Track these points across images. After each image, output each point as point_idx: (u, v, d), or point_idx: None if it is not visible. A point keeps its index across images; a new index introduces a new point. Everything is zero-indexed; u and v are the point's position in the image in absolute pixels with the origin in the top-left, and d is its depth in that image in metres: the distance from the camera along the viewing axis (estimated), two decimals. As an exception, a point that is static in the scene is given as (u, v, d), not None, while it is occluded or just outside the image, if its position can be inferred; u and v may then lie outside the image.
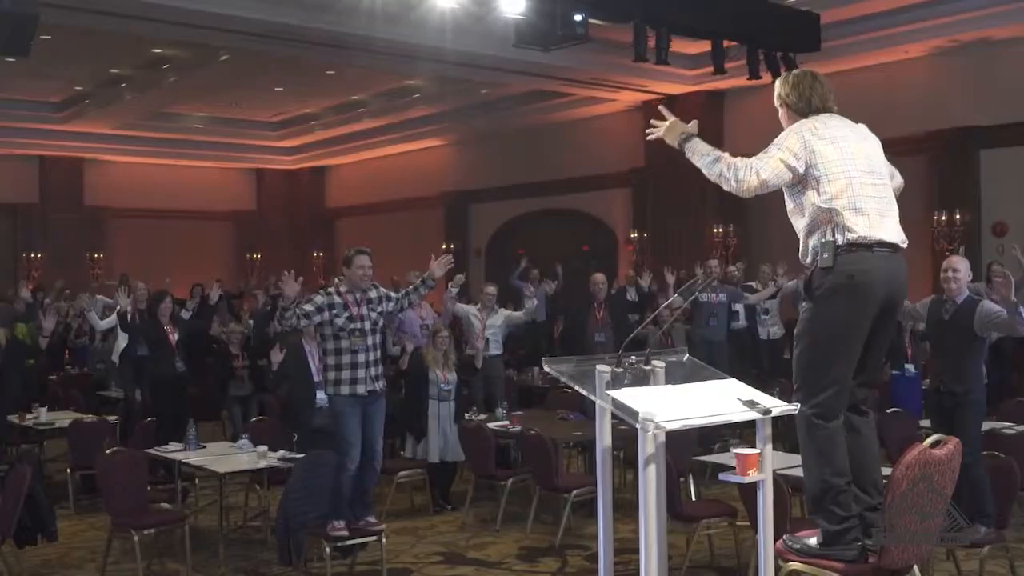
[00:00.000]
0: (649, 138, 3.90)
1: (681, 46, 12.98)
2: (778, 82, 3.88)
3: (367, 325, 6.46)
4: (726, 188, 3.62)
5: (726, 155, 3.63)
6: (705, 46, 12.41)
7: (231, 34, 12.74)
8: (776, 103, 3.87)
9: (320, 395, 7.63)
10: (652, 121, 3.88)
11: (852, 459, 3.62)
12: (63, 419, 9.09)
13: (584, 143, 18.53)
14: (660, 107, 3.98)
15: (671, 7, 10.78)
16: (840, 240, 3.53)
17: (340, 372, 6.39)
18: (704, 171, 3.66)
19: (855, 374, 3.63)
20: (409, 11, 11.50)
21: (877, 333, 3.65)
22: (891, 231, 3.60)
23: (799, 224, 3.68)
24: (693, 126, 3.79)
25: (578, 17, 9.88)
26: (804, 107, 3.74)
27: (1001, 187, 13.50)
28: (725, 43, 11.75)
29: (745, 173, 3.56)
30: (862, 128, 3.77)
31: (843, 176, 3.55)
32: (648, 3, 10.57)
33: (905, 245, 3.64)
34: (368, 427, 6.44)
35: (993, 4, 12.27)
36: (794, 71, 3.92)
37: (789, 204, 3.71)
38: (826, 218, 3.55)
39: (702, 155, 3.67)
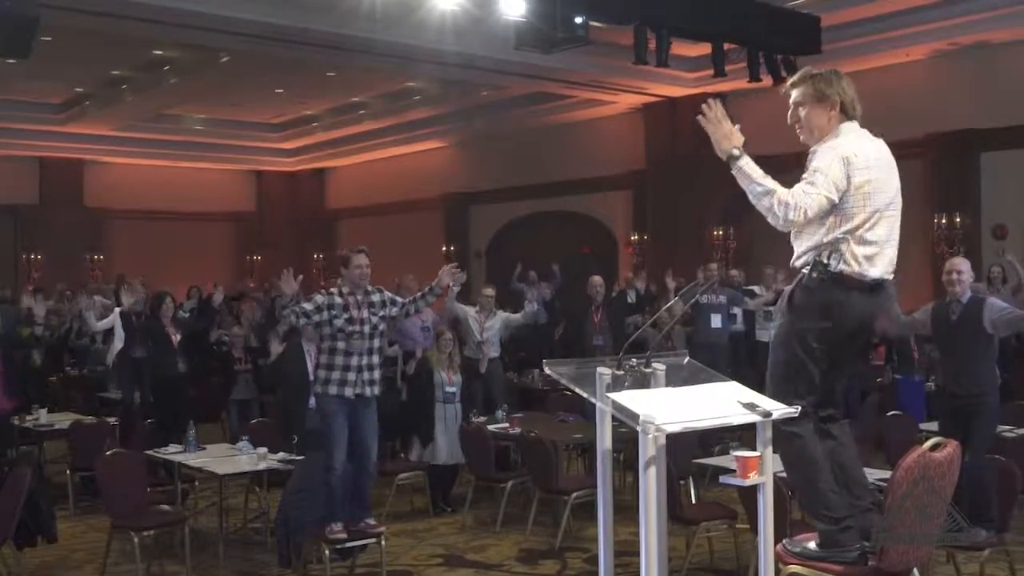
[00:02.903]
0: (700, 117, 3.60)
1: (681, 48, 12.99)
2: (828, 76, 3.67)
3: (366, 328, 6.38)
4: (770, 221, 3.52)
5: (778, 190, 3.48)
6: (705, 48, 12.40)
7: (232, 36, 12.73)
8: (823, 95, 3.63)
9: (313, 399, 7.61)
10: (705, 106, 3.60)
11: (835, 465, 3.66)
12: (63, 420, 9.11)
13: (584, 145, 18.52)
14: (714, 100, 3.69)
15: (671, 9, 10.78)
16: (833, 267, 3.53)
17: (331, 372, 6.32)
18: (750, 198, 3.54)
19: (826, 390, 3.67)
20: (410, 13, 11.50)
21: (845, 356, 3.75)
22: (885, 266, 3.60)
23: (804, 240, 3.62)
24: (740, 138, 3.56)
25: (578, 19, 9.88)
26: (850, 109, 3.64)
27: (1001, 190, 13.50)
28: (725, 46, 11.75)
29: (795, 214, 3.45)
30: (884, 146, 3.68)
31: (868, 210, 3.53)
32: (648, 5, 10.57)
33: (891, 277, 3.65)
34: (359, 429, 6.34)
35: (992, 7, 12.29)
36: (828, 69, 3.74)
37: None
38: (833, 245, 3.55)
39: (752, 181, 3.52)
